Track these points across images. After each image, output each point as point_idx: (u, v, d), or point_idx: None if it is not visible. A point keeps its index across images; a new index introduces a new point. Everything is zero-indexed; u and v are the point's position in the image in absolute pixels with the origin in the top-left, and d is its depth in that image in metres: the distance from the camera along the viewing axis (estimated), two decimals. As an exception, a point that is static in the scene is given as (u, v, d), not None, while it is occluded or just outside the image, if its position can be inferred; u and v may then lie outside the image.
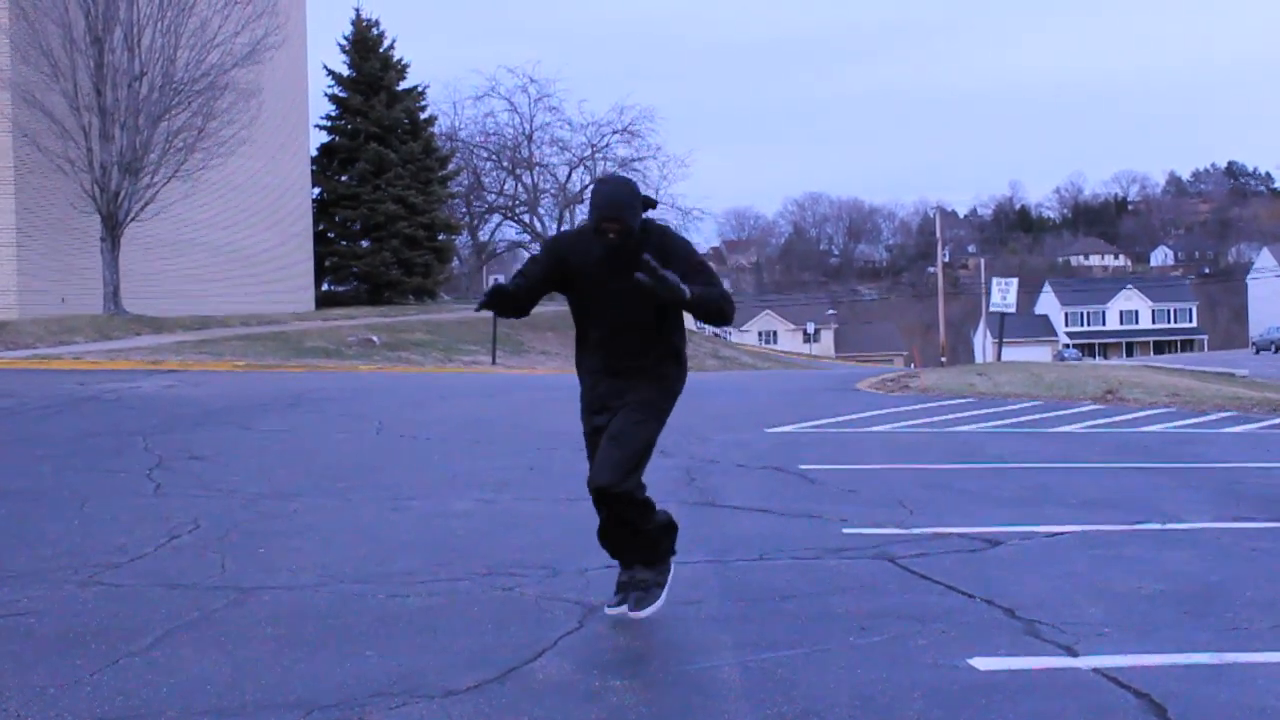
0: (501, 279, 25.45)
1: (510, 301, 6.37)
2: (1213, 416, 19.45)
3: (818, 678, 5.79)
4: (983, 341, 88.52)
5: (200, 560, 8.04)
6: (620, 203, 5.94)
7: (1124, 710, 5.36)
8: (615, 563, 6.88)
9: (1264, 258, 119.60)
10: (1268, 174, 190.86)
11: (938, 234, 77.15)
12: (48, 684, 5.60)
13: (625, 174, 7.20)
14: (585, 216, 6.20)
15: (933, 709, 5.36)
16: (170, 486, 10.77)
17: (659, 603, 6.53)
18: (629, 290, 6.04)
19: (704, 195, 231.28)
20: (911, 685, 5.67)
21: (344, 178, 57.91)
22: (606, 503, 6.31)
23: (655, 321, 6.36)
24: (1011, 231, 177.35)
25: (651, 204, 6.18)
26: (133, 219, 35.93)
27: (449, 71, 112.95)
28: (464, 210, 76.37)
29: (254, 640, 6.31)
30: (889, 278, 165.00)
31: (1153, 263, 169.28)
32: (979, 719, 5.24)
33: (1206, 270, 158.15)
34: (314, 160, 56.62)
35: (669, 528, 6.66)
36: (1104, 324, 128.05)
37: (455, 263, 73.40)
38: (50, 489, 10.64)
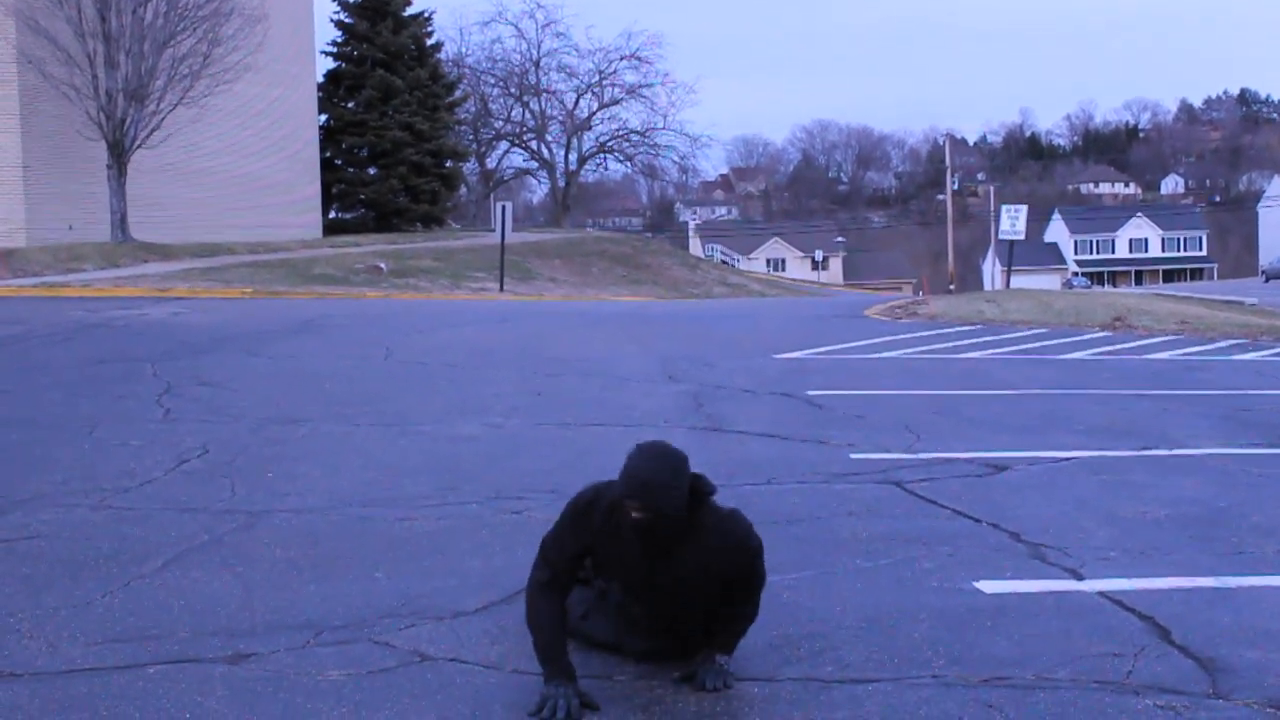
0: (508, 207, 25.01)
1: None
2: (1221, 344, 19.42)
3: (824, 600, 5.83)
4: (991, 269, 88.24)
5: (209, 484, 8.08)
6: (652, 483, 4.63)
7: (1128, 633, 5.39)
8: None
9: (1275, 186, 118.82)
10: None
11: (947, 161, 76.75)
12: (60, 605, 5.65)
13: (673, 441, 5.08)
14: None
15: (939, 630, 5.39)
16: (179, 412, 10.81)
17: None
18: (674, 588, 4.91)
19: (712, 122, 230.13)
20: (918, 608, 5.71)
21: (350, 104, 57.54)
22: None
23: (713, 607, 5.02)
24: (1021, 159, 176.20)
25: (707, 489, 4.83)
26: (139, 146, 35.76)
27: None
28: (471, 137, 76.00)
29: (264, 563, 6.35)
30: (898, 205, 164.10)
31: (1163, 191, 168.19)
32: (985, 641, 5.27)
33: (1217, 198, 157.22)
34: (320, 87, 56.21)
35: None
36: (1113, 252, 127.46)
37: (462, 190, 73.06)
38: (60, 415, 10.68)
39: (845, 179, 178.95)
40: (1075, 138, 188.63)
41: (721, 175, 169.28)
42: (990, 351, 17.48)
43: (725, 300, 40.03)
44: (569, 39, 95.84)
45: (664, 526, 4.72)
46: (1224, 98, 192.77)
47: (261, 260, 34.73)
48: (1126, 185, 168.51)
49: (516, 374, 13.85)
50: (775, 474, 8.60)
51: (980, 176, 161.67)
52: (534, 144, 79.88)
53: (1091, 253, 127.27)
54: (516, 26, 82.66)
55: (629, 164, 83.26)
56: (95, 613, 5.56)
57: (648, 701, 4.66)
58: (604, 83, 77.85)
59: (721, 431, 10.35)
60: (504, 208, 34.96)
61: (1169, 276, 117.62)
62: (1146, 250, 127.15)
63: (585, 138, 79.68)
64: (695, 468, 4.90)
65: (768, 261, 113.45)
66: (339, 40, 58.66)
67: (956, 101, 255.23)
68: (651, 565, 4.86)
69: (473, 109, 74.79)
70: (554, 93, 78.86)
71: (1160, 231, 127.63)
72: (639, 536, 4.77)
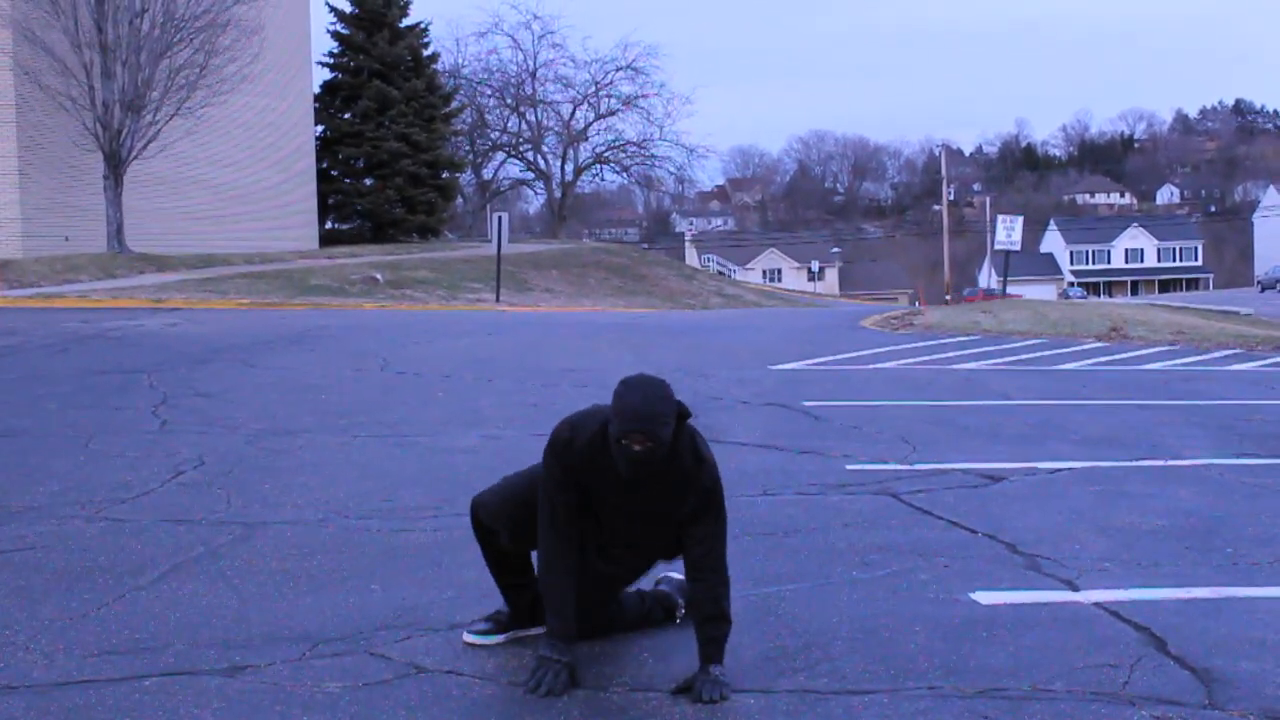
0: (504, 217, 24.86)
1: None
2: (1217, 354, 19.43)
3: (820, 611, 5.83)
4: (987, 280, 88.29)
5: (205, 496, 8.08)
6: (651, 414, 4.81)
7: (1124, 643, 5.40)
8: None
9: (1270, 196, 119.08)
10: (1276, 111, 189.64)
11: (943, 172, 76.98)
12: (56, 617, 5.65)
13: (645, 383, 4.83)
14: (608, 424, 4.92)
15: (935, 642, 5.40)
16: (175, 423, 10.81)
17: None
18: (651, 514, 5.16)
19: (708, 133, 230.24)
20: (913, 619, 5.71)
21: (347, 115, 57.56)
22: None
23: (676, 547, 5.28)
24: (1017, 170, 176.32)
25: (686, 413, 5.01)
26: (135, 157, 35.80)
27: (452, 8, 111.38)
28: (467, 148, 76.02)
29: (259, 574, 6.35)
30: (894, 216, 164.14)
31: (1159, 201, 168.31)
32: (981, 652, 5.28)
33: (1213, 209, 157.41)
34: (317, 98, 56.27)
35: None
36: (1109, 262, 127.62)
37: (459, 201, 73.06)
38: (56, 426, 10.67)
39: (841, 189, 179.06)
40: (1071, 148, 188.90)
41: (718, 186, 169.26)
42: (986, 362, 17.50)
43: (721, 311, 40.06)
44: (565, 50, 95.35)
45: (660, 455, 4.90)
46: (1219, 108, 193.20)
47: (257, 271, 34.73)
48: (1122, 196, 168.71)
49: (513, 385, 13.86)
50: (771, 485, 8.60)
51: (976, 187, 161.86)
52: (530, 155, 79.94)
53: (1087, 263, 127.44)
54: (513, 37, 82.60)
55: (625, 175, 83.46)
56: (91, 625, 5.56)
57: (644, 714, 4.66)
58: (600, 94, 77.94)
59: (718, 442, 10.30)
60: (500, 218, 34.96)
61: (1165, 287, 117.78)
62: (1142, 260, 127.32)
63: (581, 148, 79.73)
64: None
65: (764, 272, 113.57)
66: (335, 51, 58.70)
67: (952, 112, 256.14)
68: (632, 494, 5.04)
69: (469, 120, 74.79)
70: (550, 104, 78.96)
71: (1156, 242, 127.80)
72: (632, 467, 4.92)
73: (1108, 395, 14.06)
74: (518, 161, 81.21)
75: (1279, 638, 5.49)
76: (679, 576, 5.63)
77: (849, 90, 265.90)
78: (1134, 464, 9.70)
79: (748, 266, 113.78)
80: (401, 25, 58.96)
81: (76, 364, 14.88)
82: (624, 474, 4.95)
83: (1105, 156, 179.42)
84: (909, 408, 12.73)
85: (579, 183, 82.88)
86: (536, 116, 78.79)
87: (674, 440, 4.96)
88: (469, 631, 5.44)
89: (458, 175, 66.50)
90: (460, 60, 77.40)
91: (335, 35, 58.46)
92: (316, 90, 56.54)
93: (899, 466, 9.39)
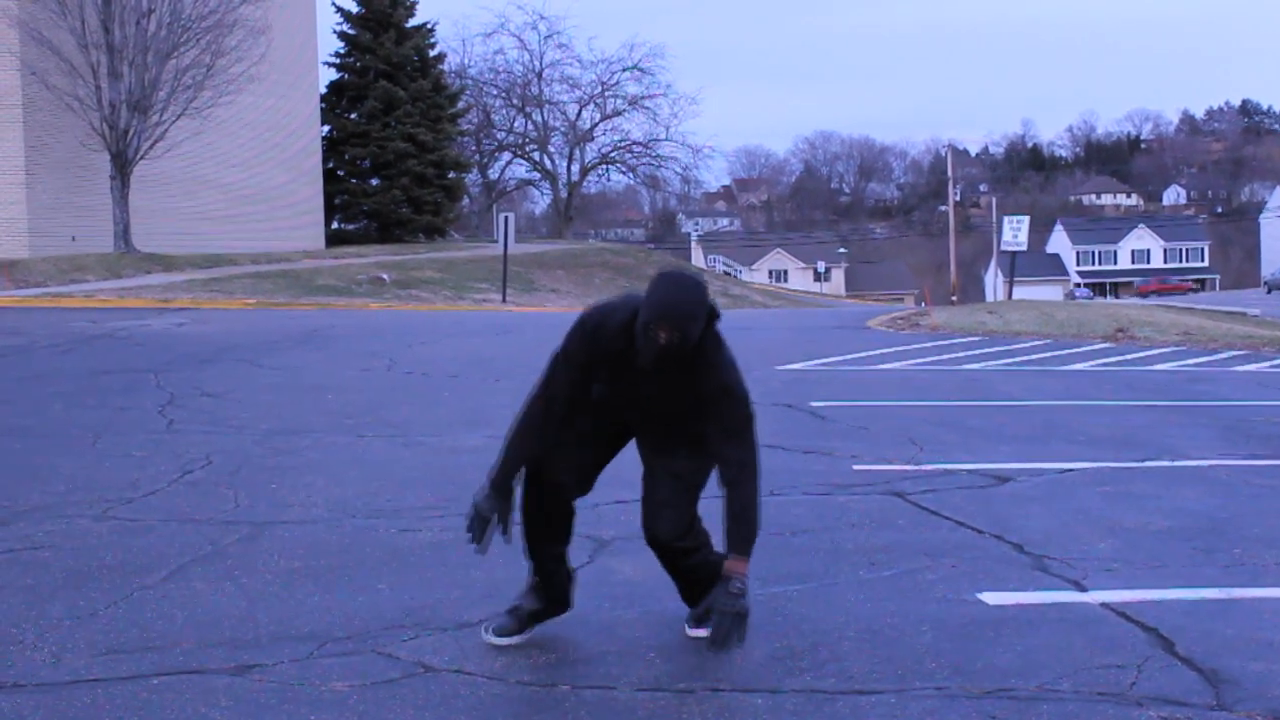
0: (510, 218, 24.83)
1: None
2: (1223, 355, 19.41)
3: (827, 611, 5.83)
4: (993, 280, 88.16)
5: (213, 495, 8.08)
6: (685, 314, 4.86)
7: (1132, 644, 5.40)
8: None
9: (1277, 196, 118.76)
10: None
11: (949, 172, 76.77)
12: (63, 616, 5.65)
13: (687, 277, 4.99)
14: (640, 312, 4.91)
15: (941, 642, 5.39)
16: (182, 423, 10.82)
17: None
18: (660, 395, 5.20)
19: (714, 133, 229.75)
20: (920, 619, 5.71)
21: (353, 115, 57.57)
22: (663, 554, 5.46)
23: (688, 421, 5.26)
24: (1023, 170, 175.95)
25: (716, 314, 5.07)
26: (142, 157, 35.81)
27: (458, 8, 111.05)
28: (474, 148, 75.96)
29: (267, 574, 6.36)
30: (900, 216, 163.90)
31: (1165, 202, 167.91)
32: (988, 652, 5.28)
33: (1219, 209, 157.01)
34: (323, 98, 56.28)
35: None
36: (1115, 263, 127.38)
37: (465, 201, 73.04)
38: (63, 426, 10.68)
39: (847, 190, 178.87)
40: (1077, 149, 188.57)
41: (724, 186, 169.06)
42: (993, 363, 17.49)
43: (727, 311, 39.96)
44: (571, 50, 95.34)
45: (683, 349, 4.98)
46: (1225, 109, 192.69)
47: (264, 271, 34.75)
48: (1128, 196, 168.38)
49: (519, 385, 13.80)
50: (778, 485, 8.59)
51: (982, 187, 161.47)
52: (536, 155, 79.86)
53: (1094, 263, 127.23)
54: (519, 38, 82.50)
55: (631, 175, 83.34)
56: (99, 624, 5.56)
57: (650, 714, 4.66)
58: (606, 94, 77.85)
59: (724, 442, 10.33)
60: (506, 219, 34.96)
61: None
62: (1149, 261, 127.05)
63: (587, 149, 79.69)
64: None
65: (770, 273, 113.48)
66: (341, 51, 58.70)
67: (958, 112, 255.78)
68: (650, 382, 5.12)
69: (475, 120, 74.77)
70: (556, 104, 78.90)
71: (1162, 242, 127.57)
72: (657, 355, 4.97)
73: (1114, 396, 14.05)
74: (524, 162, 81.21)
75: (1287, 638, 5.49)
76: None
77: (855, 91, 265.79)
78: (1141, 465, 9.69)
79: (754, 267, 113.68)
80: (408, 26, 58.95)
81: (83, 364, 14.90)
82: (645, 363, 5.00)
83: (1111, 157, 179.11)
84: (915, 408, 12.72)
85: (585, 183, 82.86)
86: (543, 117, 78.78)
87: (700, 339, 5.01)
88: (488, 630, 5.41)
89: (464, 175, 66.47)
90: (466, 60, 77.41)
91: (341, 35, 58.47)
92: (323, 90, 56.57)
93: (906, 467, 9.39)
